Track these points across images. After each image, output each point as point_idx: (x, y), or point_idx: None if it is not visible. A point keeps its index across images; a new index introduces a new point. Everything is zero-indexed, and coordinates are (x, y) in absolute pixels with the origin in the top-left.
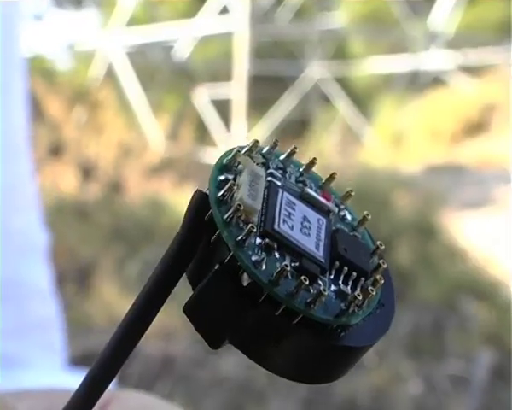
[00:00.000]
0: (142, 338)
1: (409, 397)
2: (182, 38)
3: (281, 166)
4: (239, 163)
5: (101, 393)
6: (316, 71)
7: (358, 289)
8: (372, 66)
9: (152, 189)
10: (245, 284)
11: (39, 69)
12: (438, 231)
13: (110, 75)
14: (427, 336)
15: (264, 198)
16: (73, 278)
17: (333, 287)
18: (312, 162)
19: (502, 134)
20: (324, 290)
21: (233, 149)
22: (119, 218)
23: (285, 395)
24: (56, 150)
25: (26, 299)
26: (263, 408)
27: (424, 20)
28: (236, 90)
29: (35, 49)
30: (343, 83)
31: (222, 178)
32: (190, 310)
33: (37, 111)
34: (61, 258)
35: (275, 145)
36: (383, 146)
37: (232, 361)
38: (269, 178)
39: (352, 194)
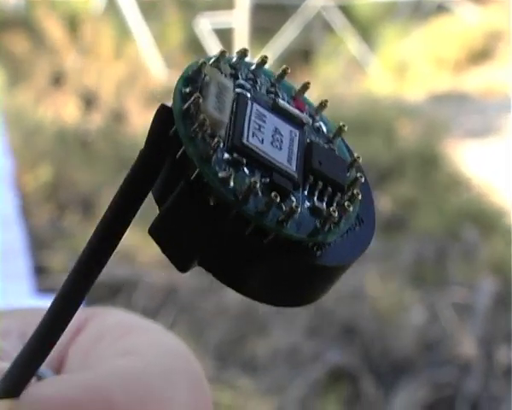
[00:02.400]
0: (146, 268)
1: (412, 325)
2: None
3: (251, 76)
4: (205, 75)
5: (73, 312)
6: None
7: (334, 204)
8: None
9: None
10: (212, 202)
11: None
12: (441, 159)
13: (111, 5)
14: (430, 264)
15: (232, 111)
16: (76, 208)
17: (307, 203)
18: (284, 71)
19: (506, 62)
20: (297, 207)
21: (199, 59)
22: (121, 147)
23: (287, 324)
24: (57, 80)
25: None
26: (265, 337)
27: None
28: (238, 19)
29: None
30: (346, 11)
31: (187, 90)
32: (155, 231)
33: (38, 39)
34: (64, 188)
35: (244, 55)
36: (387, 74)
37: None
38: (238, 90)
39: (327, 104)
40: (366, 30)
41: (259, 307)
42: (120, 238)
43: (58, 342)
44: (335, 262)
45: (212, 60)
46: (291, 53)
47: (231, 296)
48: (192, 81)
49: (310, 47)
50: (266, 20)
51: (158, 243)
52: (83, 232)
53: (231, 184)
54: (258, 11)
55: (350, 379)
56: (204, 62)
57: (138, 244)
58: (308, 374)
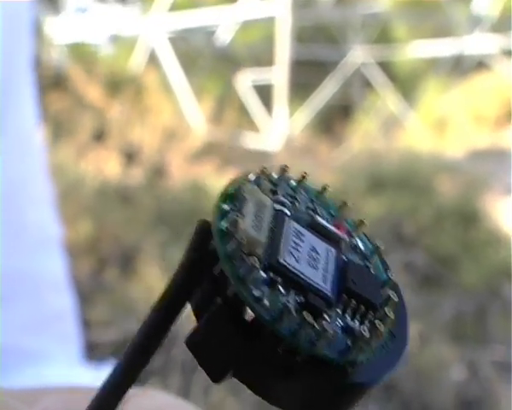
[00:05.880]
0: (184, 321)
1: (451, 383)
2: (223, 22)
3: (291, 192)
4: (245, 192)
5: (118, 400)
6: (358, 55)
7: (366, 323)
8: (415, 50)
9: (194, 173)
10: (248, 319)
11: (81, 57)
12: (481, 216)
13: (153, 61)
14: (470, 321)
15: (270, 229)
16: (116, 263)
17: (340, 322)
18: (324, 188)
19: None
20: (329, 327)
21: (239, 177)
22: (161, 202)
23: None
24: (100, 136)
25: (42, 292)
26: None
27: (468, 3)
28: (278, 75)
29: (77, 38)
30: (386, 67)
31: (226, 208)
32: (192, 344)
33: (81, 96)
34: (105, 243)
35: (284, 171)
36: (426, 131)
37: None
38: (276, 207)
39: (365, 223)
40: (406, 86)
41: None
42: (159, 344)
43: None
44: (367, 380)
45: (252, 177)
46: (330, 109)
47: None
48: (232, 198)
49: (349, 103)
50: (306, 76)
51: (194, 355)
52: (123, 286)
53: (266, 303)
54: (297, 67)
55: None
56: (244, 179)
57: None
58: None
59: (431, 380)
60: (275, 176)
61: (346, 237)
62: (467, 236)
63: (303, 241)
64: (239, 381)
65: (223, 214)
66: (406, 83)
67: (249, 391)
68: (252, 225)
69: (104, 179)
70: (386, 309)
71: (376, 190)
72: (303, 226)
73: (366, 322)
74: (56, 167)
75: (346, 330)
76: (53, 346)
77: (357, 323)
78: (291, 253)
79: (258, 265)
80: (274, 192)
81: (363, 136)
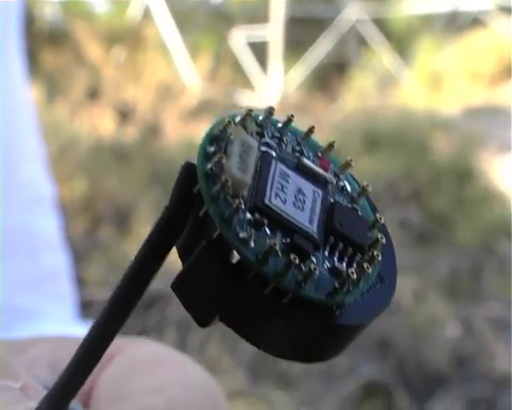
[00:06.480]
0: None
1: (446, 340)
2: None
3: (277, 134)
4: (230, 133)
5: (107, 345)
6: (353, 12)
7: (354, 265)
8: (410, 7)
9: (189, 131)
10: (234, 261)
11: (76, 14)
12: (476, 173)
13: (147, 18)
14: (465, 278)
15: (256, 170)
16: (111, 221)
17: (327, 264)
18: (310, 130)
19: None
20: (315, 268)
21: (225, 117)
22: (156, 161)
23: None
24: (94, 94)
25: (36, 250)
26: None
27: None
28: (273, 33)
29: None
30: (381, 24)
31: (212, 149)
32: (178, 288)
33: (75, 53)
34: (99, 201)
35: (270, 113)
36: (421, 88)
37: None
38: (263, 149)
39: (352, 164)
40: (401, 43)
41: None
42: (146, 286)
43: None
44: (354, 322)
45: (237, 118)
46: (325, 66)
47: None
48: (217, 139)
49: (344, 60)
50: (301, 34)
51: (180, 298)
52: (117, 245)
53: (252, 244)
54: (292, 24)
55: (384, 394)
56: (229, 121)
57: (172, 257)
58: (342, 388)
59: (426, 337)
60: (261, 118)
61: (332, 178)
62: (462, 193)
63: (289, 182)
64: (226, 325)
65: (207, 156)
66: (401, 40)
67: (244, 347)
68: (237, 166)
69: (98, 138)
70: (374, 252)
71: (371, 148)
72: (289, 168)
73: (354, 264)
74: (51, 126)
75: (334, 271)
76: (48, 304)
77: (344, 265)
78: (277, 194)
79: (243, 206)
80: (260, 134)
81: (358, 93)
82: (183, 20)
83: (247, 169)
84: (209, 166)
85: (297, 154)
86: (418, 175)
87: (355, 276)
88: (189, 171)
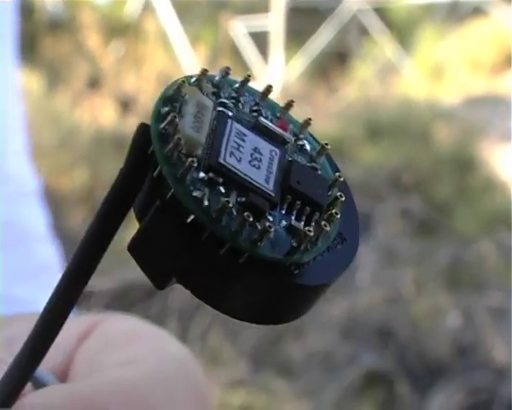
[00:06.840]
0: None
1: (447, 329)
2: None
3: (234, 95)
4: (185, 94)
5: (67, 312)
6: (354, 2)
7: (312, 224)
8: None
9: None
10: (188, 220)
11: (77, 2)
12: (477, 163)
13: (147, 8)
14: (467, 268)
15: (211, 130)
16: None
17: (284, 223)
18: (268, 90)
19: None
20: (270, 227)
21: (179, 79)
22: None
23: (323, 327)
24: (95, 83)
25: (28, 242)
26: (300, 340)
27: None
28: (274, 22)
29: None
30: (382, 14)
31: (165, 109)
32: (134, 249)
33: (76, 43)
34: (100, 191)
35: (227, 73)
36: (423, 77)
37: None
38: (219, 109)
39: (311, 122)
40: (402, 33)
41: None
42: (104, 251)
43: (64, 347)
44: (314, 281)
45: (192, 79)
46: (326, 56)
47: None
48: (172, 100)
49: (345, 50)
50: (302, 23)
51: (136, 260)
52: (118, 235)
53: (205, 203)
54: (293, 14)
55: (385, 383)
56: (183, 81)
57: None
58: (343, 377)
59: (427, 326)
60: (217, 78)
61: (291, 137)
62: (463, 182)
63: (245, 142)
64: (184, 287)
65: (161, 116)
66: (402, 29)
67: (245, 337)
68: (191, 125)
69: (99, 128)
70: (333, 210)
71: (373, 138)
72: (246, 127)
73: (312, 223)
74: (51, 116)
75: (291, 230)
76: (43, 296)
77: (302, 223)
78: (232, 153)
79: (195, 164)
80: (216, 94)
81: (359, 83)
82: (184, 10)
83: (202, 129)
84: (162, 125)
85: (255, 114)
86: (419, 165)
87: (312, 234)
88: (143, 132)
